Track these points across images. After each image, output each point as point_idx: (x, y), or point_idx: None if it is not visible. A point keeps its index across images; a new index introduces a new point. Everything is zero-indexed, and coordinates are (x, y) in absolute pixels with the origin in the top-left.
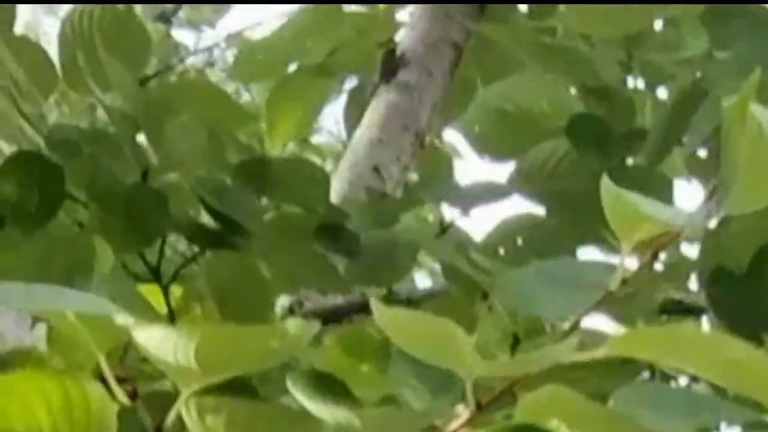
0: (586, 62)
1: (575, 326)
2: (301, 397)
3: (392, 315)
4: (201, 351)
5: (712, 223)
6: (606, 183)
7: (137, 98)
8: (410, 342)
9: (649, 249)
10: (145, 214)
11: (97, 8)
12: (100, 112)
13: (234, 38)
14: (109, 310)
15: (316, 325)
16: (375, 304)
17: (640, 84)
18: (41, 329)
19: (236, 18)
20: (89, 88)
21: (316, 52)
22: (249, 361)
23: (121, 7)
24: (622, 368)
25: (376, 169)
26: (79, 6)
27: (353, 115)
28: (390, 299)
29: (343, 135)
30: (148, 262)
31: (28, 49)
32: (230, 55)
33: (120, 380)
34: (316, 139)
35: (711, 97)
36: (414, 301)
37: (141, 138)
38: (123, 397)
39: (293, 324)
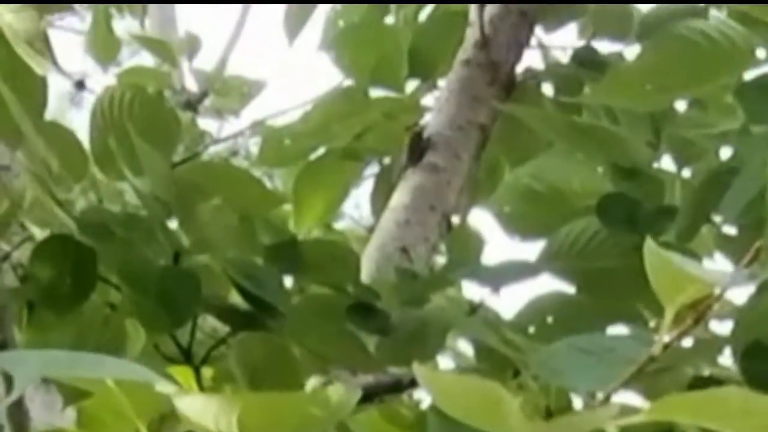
0: (616, 141)
1: (608, 398)
2: None
3: (438, 378)
4: (243, 419)
5: (746, 298)
6: (649, 245)
7: (168, 182)
8: (455, 405)
9: (688, 317)
10: (177, 295)
11: (127, 93)
12: (129, 197)
13: (258, 126)
14: (150, 378)
15: (357, 393)
16: (419, 369)
17: (669, 163)
18: (71, 414)
19: (260, 107)
20: (119, 172)
21: (342, 136)
22: (291, 429)
23: (151, 91)
24: None
25: (404, 250)
26: (109, 91)
27: (379, 198)
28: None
29: (364, 219)
30: (180, 344)
31: (59, 135)
32: (253, 144)
33: None
34: (337, 223)
35: (745, 172)
36: None
37: (172, 222)
38: None
39: (335, 391)
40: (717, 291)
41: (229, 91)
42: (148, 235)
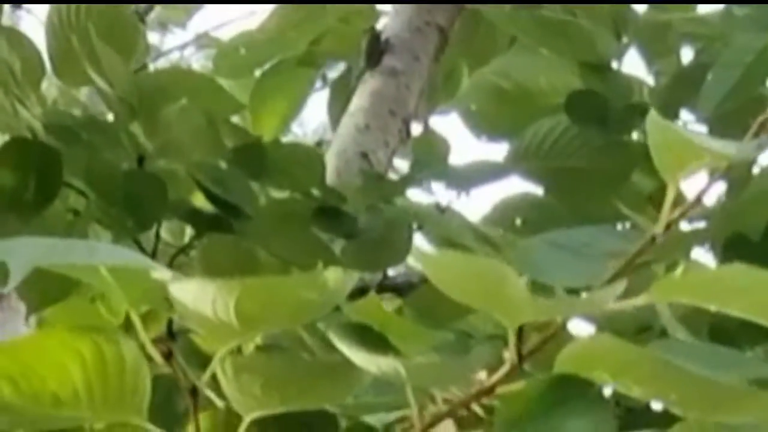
0: (583, 36)
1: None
2: (344, 347)
3: (439, 259)
4: (241, 303)
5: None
6: (653, 117)
7: (131, 85)
8: (456, 286)
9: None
10: (142, 199)
11: None
12: (89, 106)
13: (202, 38)
14: (145, 264)
15: (354, 276)
16: (416, 251)
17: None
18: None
19: (205, 19)
20: (77, 78)
21: (299, 43)
22: (289, 314)
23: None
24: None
25: (364, 155)
26: None
27: (336, 107)
28: (385, 285)
29: (308, 137)
30: (144, 249)
31: (17, 40)
32: (195, 57)
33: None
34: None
35: (724, 59)
36: (413, 286)
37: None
38: (158, 357)
39: (332, 275)
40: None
41: (175, 3)
42: (112, 139)
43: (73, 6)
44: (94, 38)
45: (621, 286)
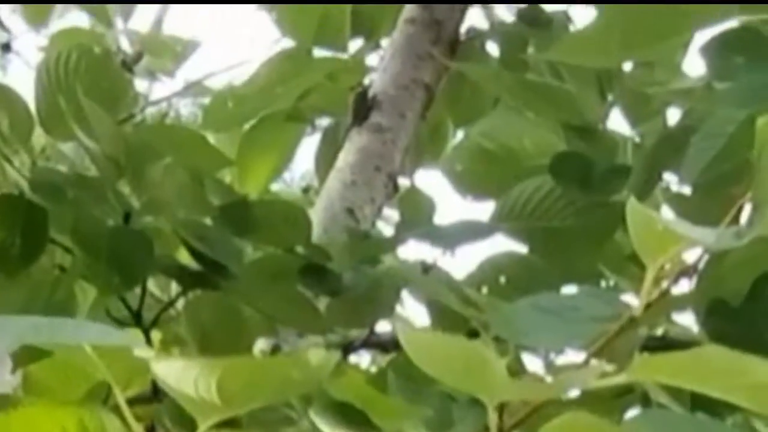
0: (567, 99)
1: (587, 361)
2: (325, 427)
3: (419, 338)
4: (223, 383)
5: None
6: (633, 203)
7: (118, 141)
8: (436, 365)
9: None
10: (128, 256)
11: (73, 53)
12: (76, 159)
13: (192, 87)
14: (129, 342)
15: (336, 355)
16: (400, 327)
17: (619, 122)
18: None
19: (194, 67)
20: (65, 133)
21: (286, 98)
22: (271, 393)
23: (97, 51)
24: (617, 402)
25: (350, 211)
26: (55, 51)
27: (323, 160)
28: (371, 342)
29: (296, 182)
30: (129, 306)
31: (5, 95)
32: (183, 105)
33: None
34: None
35: (705, 130)
36: (395, 343)
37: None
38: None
39: (315, 354)
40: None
41: (164, 52)
42: (98, 196)
43: (62, 60)
44: (80, 95)
45: (600, 367)
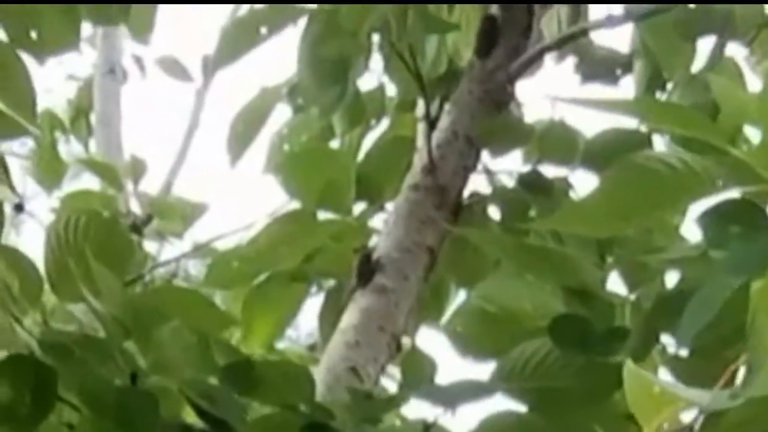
0: (566, 263)
1: None
2: None
3: None
4: None
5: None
6: (630, 367)
7: (125, 303)
8: None
9: None
10: (135, 415)
11: (83, 217)
12: (84, 319)
13: (200, 249)
14: None
15: None
16: None
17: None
18: None
19: (202, 229)
20: (73, 294)
21: (290, 259)
22: None
23: (105, 215)
24: None
25: (353, 371)
26: (63, 214)
27: (327, 319)
28: None
29: (302, 339)
30: None
31: (16, 258)
32: (192, 266)
33: None
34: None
35: (700, 297)
36: None
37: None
38: None
39: None
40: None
41: (173, 214)
42: (105, 356)
43: (71, 223)
44: (90, 259)
45: None
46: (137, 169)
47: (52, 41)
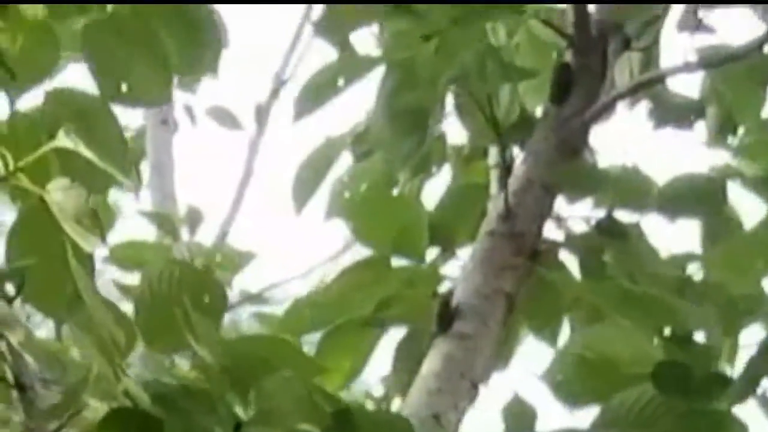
0: (665, 309)
1: None
2: None
3: None
4: None
5: None
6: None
7: (223, 353)
8: None
9: None
10: None
11: (176, 270)
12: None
13: (253, 298)
14: None
15: None
16: None
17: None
18: None
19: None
20: (168, 345)
21: (364, 306)
22: None
23: (198, 267)
24: None
25: (436, 417)
26: (156, 267)
27: (401, 365)
28: None
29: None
30: None
31: (110, 309)
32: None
33: None
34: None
35: None
36: None
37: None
38: None
39: None
40: None
41: (224, 263)
42: (209, 407)
43: (165, 274)
44: (188, 306)
45: None
46: (194, 218)
47: (144, 93)
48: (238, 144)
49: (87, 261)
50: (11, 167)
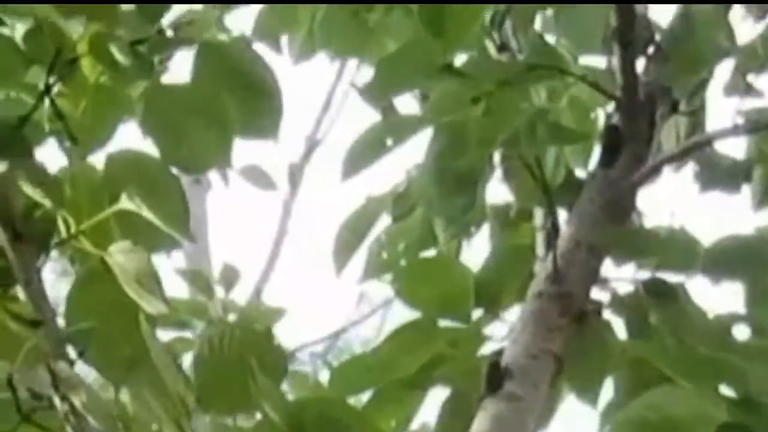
0: (736, 373)
1: None
2: None
3: None
4: None
5: None
6: None
7: (290, 416)
8: None
9: None
10: None
11: (236, 330)
12: None
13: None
14: None
15: None
16: None
17: None
18: None
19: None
20: (228, 408)
21: (410, 367)
22: None
23: (259, 328)
24: None
25: None
26: (216, 327)
27: (445, 427)
28: None
29: None
30: None
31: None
32: None
33: None
34: None
35: None
36: None
37: None
38: None
39: None
40: None
41: (257, 319)
42: None
43: (225, 333)
44: (251, 368)
45: None
46: (229, 276)
47: (203, 157)
48: (269, 203)
49: (150, 321)
50: (73, 230)
